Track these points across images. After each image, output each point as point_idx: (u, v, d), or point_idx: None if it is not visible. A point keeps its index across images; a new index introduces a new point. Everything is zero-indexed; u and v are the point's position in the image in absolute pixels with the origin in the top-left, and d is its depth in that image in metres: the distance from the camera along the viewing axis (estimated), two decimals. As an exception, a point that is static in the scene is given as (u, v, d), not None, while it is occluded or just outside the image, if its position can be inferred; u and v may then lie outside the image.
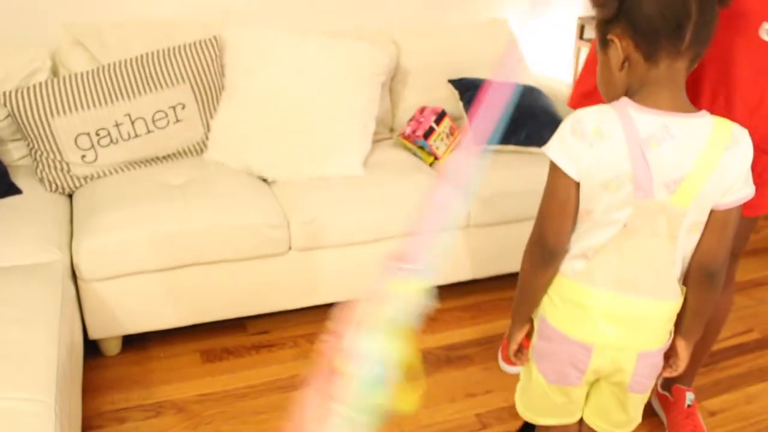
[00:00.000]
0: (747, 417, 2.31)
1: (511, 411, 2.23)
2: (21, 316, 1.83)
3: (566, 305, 1.42)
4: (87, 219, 2.33)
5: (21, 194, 2.50)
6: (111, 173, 2.63)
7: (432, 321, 2.71)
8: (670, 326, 1.45)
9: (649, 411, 2.27)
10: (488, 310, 2.80)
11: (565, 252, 1.41)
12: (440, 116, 2.87)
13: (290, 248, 2.45)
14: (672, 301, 1.40)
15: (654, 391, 2.30)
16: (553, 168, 1.34)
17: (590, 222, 1.35)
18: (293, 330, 2.62)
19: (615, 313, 1.38)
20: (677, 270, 1.38)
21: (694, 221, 1.32)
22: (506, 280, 2.78)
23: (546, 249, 1.40)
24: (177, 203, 2.38)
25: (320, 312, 2.69)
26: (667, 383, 2.24)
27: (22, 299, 1.91)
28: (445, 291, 2.86)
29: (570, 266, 1.40)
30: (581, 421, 1.62)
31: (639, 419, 1.59)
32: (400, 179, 2.65)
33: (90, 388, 2.27)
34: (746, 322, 2.85)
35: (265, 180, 2.66)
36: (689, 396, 2.17)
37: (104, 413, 2.20)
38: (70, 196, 2.62)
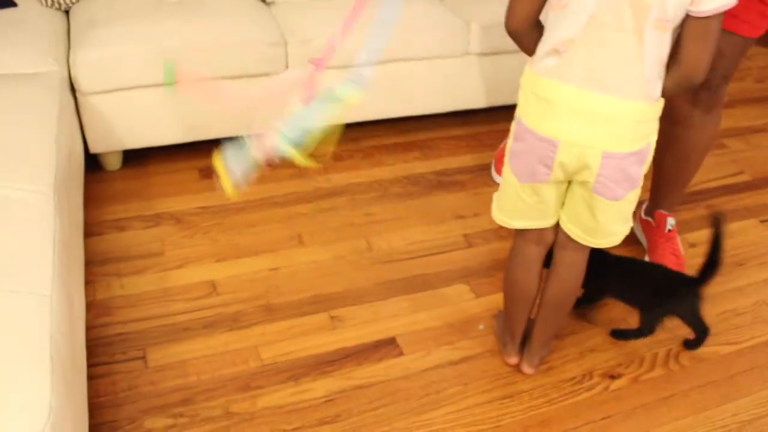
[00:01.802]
0: (727, 249, 2.36)
1: (497, 232, 2.33)
2: (20, 119, 1.87)
3: (538, 102, 1.45)
4: (85, 32, 2.32)
5: (16, 7, 2.47)
6: (107, -11, 2.58)
7: (426, 148, 2.76)
8: (642, 131, 1.45)
9: (632, 239, 2.35)
10: (484, 140, 2.83)
11: (528, 36, 1.46)
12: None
13: (287, 67, 2.46)
14: (640, 102, 1.40)
15: (637, 217, 2.36)
16: None
17: (560, 11, 1.37)
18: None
19: (580, 109, 1.40)
20: (648, 71, 1.37)
21: (658, 17, 1.31)
22: (504, 111, 2.79)
23: (509, 30, 1.47)
24: (175, 20, 2.37)
25: (317, 135, 2.73)
26: (650, 209, 2.30)
27: (20, 104, 1.94)
28: (440, 119, 2.89)
29: (543, 64, 1.43)
30: (557, 229, 1.67)
31: (613, 235, 1.62)
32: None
33: (92, 200, 2.36)
34: (738, 165, 2.88)
35: (263, 0, 2.62)
36: (670, 221, 2.23)
37: (105, 222, 2.29)
38: (67, 12, 2.59)
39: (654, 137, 1.48)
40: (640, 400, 1.84)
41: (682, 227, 2.43)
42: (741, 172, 2.83)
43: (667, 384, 1.89)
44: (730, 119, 3.19)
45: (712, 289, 2.15)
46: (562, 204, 1.62)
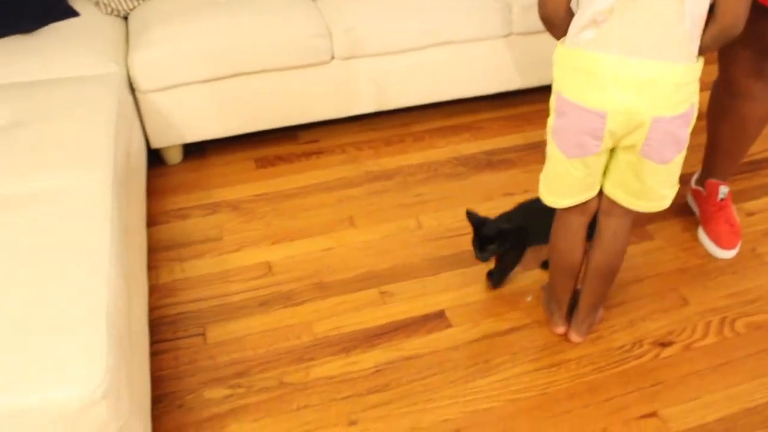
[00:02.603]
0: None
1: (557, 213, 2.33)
2: (81, 118, 1.98)
3: (579, 75, 1.46)
4: (141, 35, 2.45)
5: (78, 17, 2.61)
6: (163, -7, 2.71)
7: (475, 129, 2.78)
8: (686, 93, 1.44)
9: (685, 210, 2.34)
10: (532, 120, 2.84)
11: (562, 23, 1.47)
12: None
13: (333, 57, 2.53)
14: (682, 63, 1.40)
15: (688, 187, 2.34)
16: None
17: None
18: (341, 138, 2.75)
19: (625, 77, 1.41)
20: (688, 33, 1.37)
21: None
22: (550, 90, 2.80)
23: (543, 17, 1.49)
24: (225, 17, 2.47)
25: (367, 121, 2.81)
26: (701, 179, 2.27)
27: (82, 104, 2.06)
28: (489, 101, 2.91)
29: (582, 36, 1.43)
30: (600, 197, 1.68)
31: (661, 198, 1.62)
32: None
33: (155, 192, 2.48)
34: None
35: (309, -6, 2.70)
36: (722, 189, 2.20)
37: (168, 211, 2.41)
38: (125, 18, 2.72)
39: (696, 99, 1.48)
40: (692, 367, 1.83)
41: (739, 196, 2.39)
42: (802, 141, 2.75)
43: (721, 351, 1.88)
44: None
45: None
46: (605, 172, 1.62)
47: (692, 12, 1.35)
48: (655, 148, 1.49)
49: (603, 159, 1.58)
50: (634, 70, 1.40)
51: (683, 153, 1.55)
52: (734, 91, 2.02)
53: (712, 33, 1.39)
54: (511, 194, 2.43)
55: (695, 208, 2.31)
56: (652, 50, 1.38)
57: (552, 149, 1.61)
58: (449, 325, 1.95)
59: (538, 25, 2.63)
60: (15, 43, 2.36)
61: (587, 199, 1.67)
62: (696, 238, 2.24)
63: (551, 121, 1.58)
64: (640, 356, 1.86)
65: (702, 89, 1.53)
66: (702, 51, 1.42)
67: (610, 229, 1.72)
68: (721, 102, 2.10)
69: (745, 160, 2.55)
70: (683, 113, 1.46)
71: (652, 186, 1.58)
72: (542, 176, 1.71)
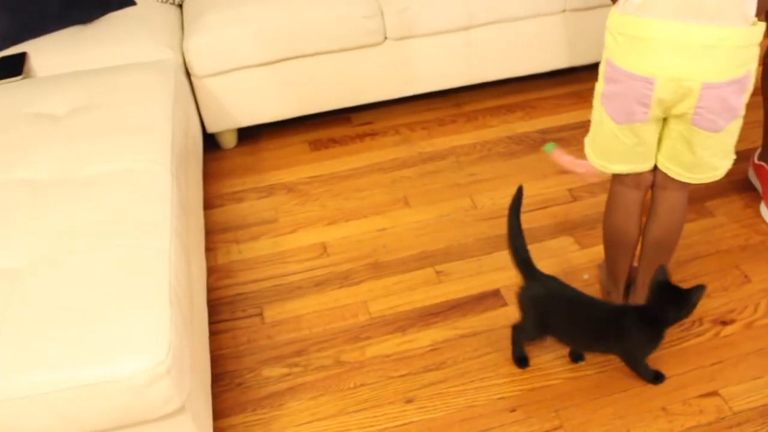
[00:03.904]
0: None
1: (603, 185, 2.30)
2: (139, 102, 2.03)
3: (629, 41, 1.44)
4: (195, 21, 2.48)
5: (134, 6, 2.66)
6: (216, -21, 2.74)
7: (529, 108, 2.76)
8: (742, 58, 1.40)
9: (746, 186, 2.28)
10: (586, 97, 2.75)
11: None
12: None
13: (386, 38, 2.53)
14: (739, 27, 1.36)
15: (750, 162, 2.28)
16: None
17: None
18: (395, 119, 2.75)
19: (676, 43, 1.38)
20: None
21: None
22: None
23: None
24: (276, 1, 2.49)
25: (420, 102, 2.81)
26: (764, 154, 2.21)
27: (140, 89, 2.10)
28: (542, 79, 2.88)
29: (632, 2, 1.41)
30: (655, 171, 1.66)
31: (714, 169, 1.58)
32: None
33: (211, 176, 2.53)
34: None
35: (361, -24, 2.70)
36: (782, 163, 2.14)
37: (224, 195, 2.45)
38: (180, 6, 2.76)
39: (754, 64, 1.43)
40: (753, 345, 1.80)
41: (804, 171, 2.32)
42: None
43: (786, 330, 1.84)
44: None
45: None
46: (659, 143, 1.60)
47: None
48: (707, 116, 1.45)
49: (654, 129, 1.55)
50: (687, 35, 1.37)
51: (738, 121, 1.50)
52: None
53: None
54: (567, 172, 2.40)
55: (757, 184, 2.25)
56: (708, 13, 1.35)
57: (601, 115, 1.59)
58: (505, 304, 1.95)
59: (592, 1, 2.62)
60: (75, 33, 2.42)
61: (641, 170, 1.64)
62: (758, 215, 2.19)
63: (600, 86, 1.57)
64: (700, 334, 1.83)
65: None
66: (758, 12, 1.38)
67: (666, 202, 1.69)
68: None
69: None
70: (738, 78, 1.42)
71: (704, 156, 1.55)
72: (588, 140, 1.69)
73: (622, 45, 1.45)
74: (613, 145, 1.60)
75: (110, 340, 1.26)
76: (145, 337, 1.26)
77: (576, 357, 1.77)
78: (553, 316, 1.66)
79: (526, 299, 1.68)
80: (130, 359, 1.23)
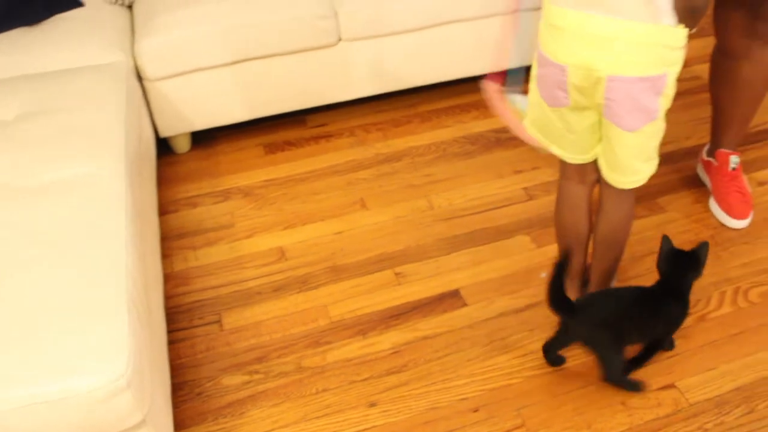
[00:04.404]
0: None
1: (558, 183, 2.33)
2: (90, 107, 1.99)
3: (549, 30, 1.48)
4: (146, 22, 2.44)
5: (83, 7, 2.61)
6: (165, -20, 2.70)
7: (483, 108, 2.78)
8: (654, 56, 1.41)
9: (695, 182, 2.33)
10: (540, 96, 2.82)
11: None
12: None
13: (340, 39, 2.52)
14: (645, 23, 1.37)
15: (699, 158, 2.34)
16: None
17: None
18: (350, 121, 2.74)
19: (583, 33, 1.41)
20: None
21: None
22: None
23: None
24: (229, 2, 2.46)
25: (375, 103, 2.81)
26: (711, 150, 2.27)
27: (91, 94, 2.06)
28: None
29: None
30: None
31: (635, 173, 1.59)
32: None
33: (165, 181, 2.49)
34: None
35: (313, -24, 2.69)
36: (733, 159, 2.19)
37: (178, 200, 2.41)
38: (130, 7, 2.71)
39: (675, 68, 1.44)
40: (707, 337, 1.84)
41: (750, 166, 2.38)
42: (814, 109, 2.73)
43: (736, 321, 1.88)
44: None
45: (780, 226, 2.14)
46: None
47: None
48: (615, 110, 1.47)
49: (583, 118, 1.56)
50: (593, 26, 1.40)
51: (656, 124, 1.51)
52: (731, 54, 2.02)
53: (678, 2, 1.36)
54: (521, 171, 2.43)
55: (706, 180, 2.30)
56: (613, 6, 1.37)
57: (536, 97, 1.62)
58: (464, 304, 1.96)
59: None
60: (21, 35, 2.36)
61: (575, 160, 1.67)
62: (707, 210, 2.24)
63: (533, 69, 1.60)
64: (655, 329, 1.86)
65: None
66: (679, 21, 1.39)
67: (611, 198, 1.71)
68: (720, 67, 2.09)
69: (754, 129, 2.55)
70: (648, 77, 1.43)
71: (623, 157, 1.56)
72: (527, 121, 1.71)
73: (545, 32, 1.50)
74: (547, 126, 1.64)
75: (67, 354, 1.23)
76: (103, 351, 1.24)
77: (556, 360, 1.78)
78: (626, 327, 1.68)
79: (592, 327, 1.67)
80: (88, 374, 1.20)
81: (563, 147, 1.66)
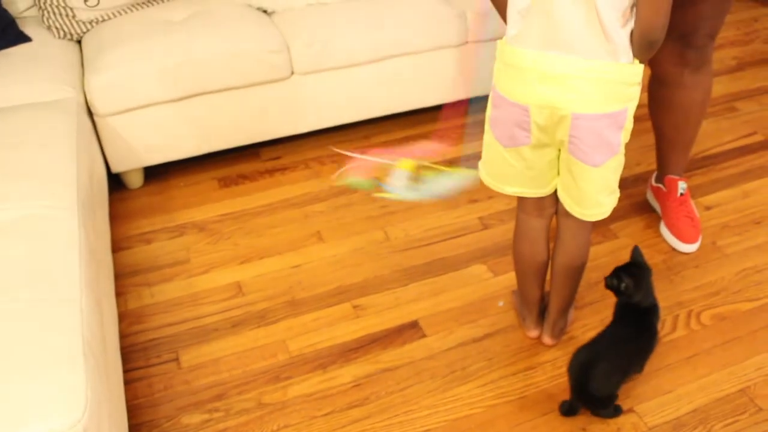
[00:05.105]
0: (742, 209, 2.39)
1: (512, 213, 2.34)
2: (40, 144, 1.95)
3: (507, 70, 1.50)
4: (96, 58, 2.42)
5: (30, 42, 2.57)
6: (115, 15, 2.68)
7: (438, 138, 2.80)
8: (614, 93, 1.44)
9: (645, 207, 2.39)
10: (492, 126, 2.86)
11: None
12: None
13: (293, 73, 2.53)
14: (603, 60, 1.40)
15: (648, 185, 2.39)
16: None
17: None
18: (304, 154, 2.75)
19: (543, 72, 1.43)
20: (607, 26, 1.37)
21: None
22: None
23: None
24: (180, 36, 2.45)
25: (329, 135, 2.82)
26: (660, 176, 2.32)
27: (40, 130, 2.02)
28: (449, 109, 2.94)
29: (509, 33, 1.48)
30: (558, 200, 1.70)
31: (599, 206, 1.61)
32: (396, 0, 2.67)
33: (118, 217, 2.45)
34: (751, 126, 2.89)
35: (264, 11, 2.70)
36: (681, 185, 2.25)
37: (132, 236, 2.38)
38: (79, 42, 2.68)
39: (633, 103, 1.48)
40: (662, 362, 1.87)
41: (696, 191, 2.45)
42: (754, 133, 2.83)
43: (690, 344, 1.92)
44: (739, 81, 3.20)
45: (731, 248, 2.19)
46: (558, 173, 1.64)
47: (606, 7, 1.35)
48: (580, 146, 1.50)
49: (543, 155, 1.58)
50: (553, 65, 1.42)
51: (618, 158, 1.54)
52: (665, 81, 2.08)
53: (635, 37, 1.40)
54: (476, 201, 2.46)
55: (656, 206, 2.36)
56: (571, 45, 1.40)
57: (489, 138, 1.63)
58: (424, 335, 1.96)
59: (492, 33, 2.70)
60: (-35, 71, 2.32)
61: (535, 195, 1.68)
62: (658, 234, 2.29)
63: (488, 110, 1.61)
64: (612, 354, 1.89)
65: (645, 90, 1.55)
66: (635, 54, 1.43)
67: (569, 230, 1.73)
68: (656, 95, 2.16)
69: (699, 156, 2.63)
70: (611, 113, 1.46)
71: (587, 191, 1.58)
72: (481, 163, 1.72)
73: (502, 72, 1.51)
74: (503, 168, 1.64)
75: (21, 401, 1.19)
76: (59, 397, 1.20)
77: (570, 410, 1.74)
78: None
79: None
80: (44, 420, 1.17)
81: (521, 185, 1.66)
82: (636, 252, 1.74)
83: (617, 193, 1.63)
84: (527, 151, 1.57)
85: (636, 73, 1.44)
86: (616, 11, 1.36)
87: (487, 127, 1.63)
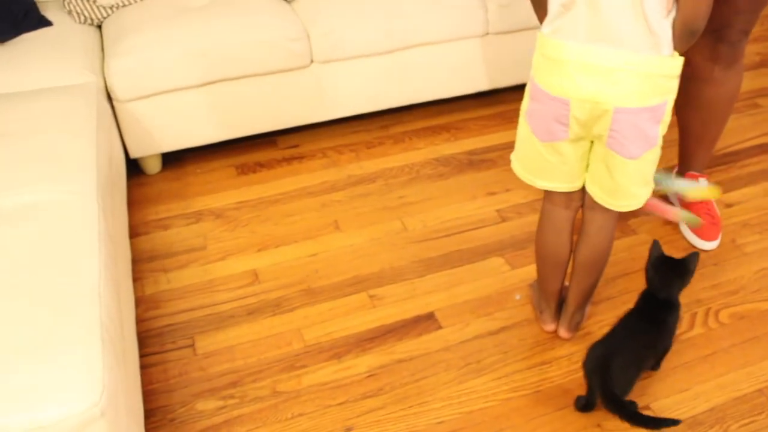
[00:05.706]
0: (763, 207, 2.37)
1: (531, 206, 2.36)
2: (60, 129, 1.96)
3: (547, 63, 1.48)
4: (116, 43, 2.42)
5: (51, 26, 2.58)
6: (135, 1, 2.68)
7: (455, 130, 2.79)
8: (656, 87, 1.44)
9: (666, 202, 2.36)
10: (511, 118, 2.85)
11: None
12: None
13: (312, 61, 2.52)
14: (647, 54, 1.40)
15: (669, 181, 2.37)
16: None
17: None
18: (321, 142, 2.74)
19: (587, 66, 1.42)
20: (652, 20, 1.36)
21: None
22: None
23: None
24: (200, 23, 2.45)
25: (347, 125, 2.81)
26: (681, 172, 2.30)
27: (60, 115, 2.03)
28: (467, 101, 2.92)
29: (551, 25, 1.46)
30: (585, 192, 1.69)
31: (633, 197, 1.61)
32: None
33: (135, 203, 2.46)
34: (774, 123, 2.85)
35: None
36: (702, 182, 2.23)
37: (149, 222, 2.38)
38: (99, 27, 2.69)
39: (672, 96, 1.48)
40: (680, 359, 1.85)
41: (717, 188, 2.42)
42: (777, 130, 2.80)
43: (708, 342, 1.90)
44: (763, 78, 3.16)
45: (751, 247, 2.17)
46: (588, 166, 1.63)
47: (651, 1, 1.35)
48: (620, 140, 1.49)
49: (578, 149, 1.58)
50: (597, 59, 1.41)
51: (655, 151, 1.54)
52: (695, 76, 2.05)
53: (676, 27, 1.39)
54: (494, 193, 2.45)
55: (676, 202, 2.34)
56: (617, 39, 1.39)
57: (525, 131, 1.62)
58: (440, 327, 1.95)
59: (514, 24, 2.69)
60: (-14, 55, 2.32)
61: (567, 189, 1.68)
62: (677, 231, 2.27)
63: (525, 104, 1.60)
64: (629, 350, 1.87)
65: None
66: (675, 46, 1.42)
67: (595, 223, 1.73)
68: (685, 89, 2.12)
69: (720, 152, 2.60)
70: (651, 107, 1.46)
71: (623, 183, 1.58)
72: (514, 156, 1.72)
73: (542, 65, 1.50)
74: (538, 162, 1.63)
75: (40, 383, 1.20)
76: (76, 380, 1.21)
77: (586, 406, 1.73)
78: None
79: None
80: (62, 403, 1.17)
81: (554, 179, 1.65)
82: (656, 247, 1.72)
83: (652, 185, 1.63)
84: (563, 145, 1.56)
85: (677, 65, 1.44)
86: (661, 1, 1.35)
87: (522, 120, 1.62)
